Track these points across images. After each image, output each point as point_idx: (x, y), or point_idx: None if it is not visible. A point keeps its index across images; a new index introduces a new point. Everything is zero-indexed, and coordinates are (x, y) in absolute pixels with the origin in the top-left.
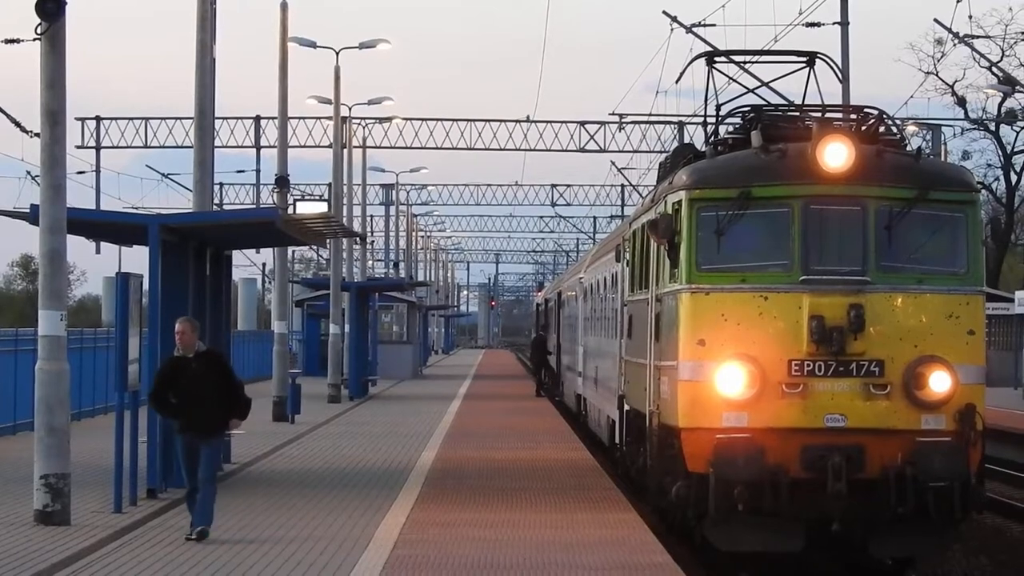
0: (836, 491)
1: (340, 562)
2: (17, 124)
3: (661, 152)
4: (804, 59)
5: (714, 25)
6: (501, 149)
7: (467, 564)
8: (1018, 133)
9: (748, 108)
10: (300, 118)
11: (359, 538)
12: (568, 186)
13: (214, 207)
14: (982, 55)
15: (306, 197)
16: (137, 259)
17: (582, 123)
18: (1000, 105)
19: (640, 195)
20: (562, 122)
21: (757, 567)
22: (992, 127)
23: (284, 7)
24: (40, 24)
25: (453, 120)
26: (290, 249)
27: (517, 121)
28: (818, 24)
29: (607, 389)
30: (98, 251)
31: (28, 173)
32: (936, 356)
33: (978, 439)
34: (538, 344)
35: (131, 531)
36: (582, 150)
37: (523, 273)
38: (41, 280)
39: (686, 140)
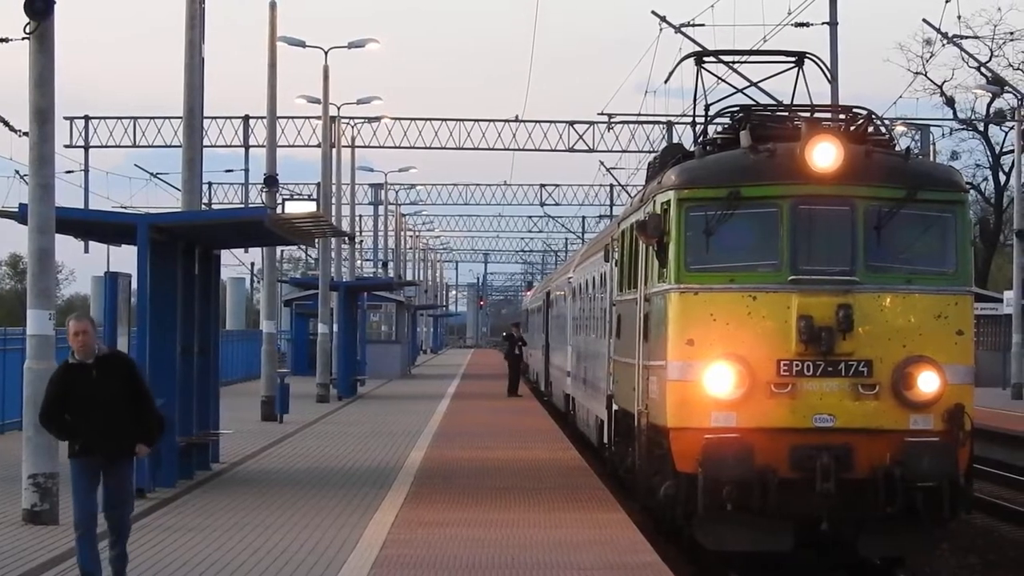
0: (825, 491)
1: (328, 561)
2: (6, 123)
3: (650, 152)
4: (793, 59)
5: (703, 25)
6: (490, 149)
7: (456, 564)
8: (1006, 133)
9: (737, 108)
10: (289, 118)
11: (347, 538)
12: (557, 186)
13: (203, 206)
14: (971, 55)
15: (295, 196)
16: (126, 258)
17: (571, 123)
18: (989, 105)
19: (629, 195)
20: (551, 122)
21: (746, 567)
22: (981, 127)
23: (273, 7)
24: (29, 23)
25: (442, 120)
26: (279, 249)
27: (506, 121)
28: (807, 24)
29: (596, 389)
30: (87, 250)
31: (17, 172)
32: (925, 356)
33: (966, 439)
34: (511, 342)
35: None
36: (571, 150)
37: (512, 273)
38: (29, 279)
39: (675, 140)
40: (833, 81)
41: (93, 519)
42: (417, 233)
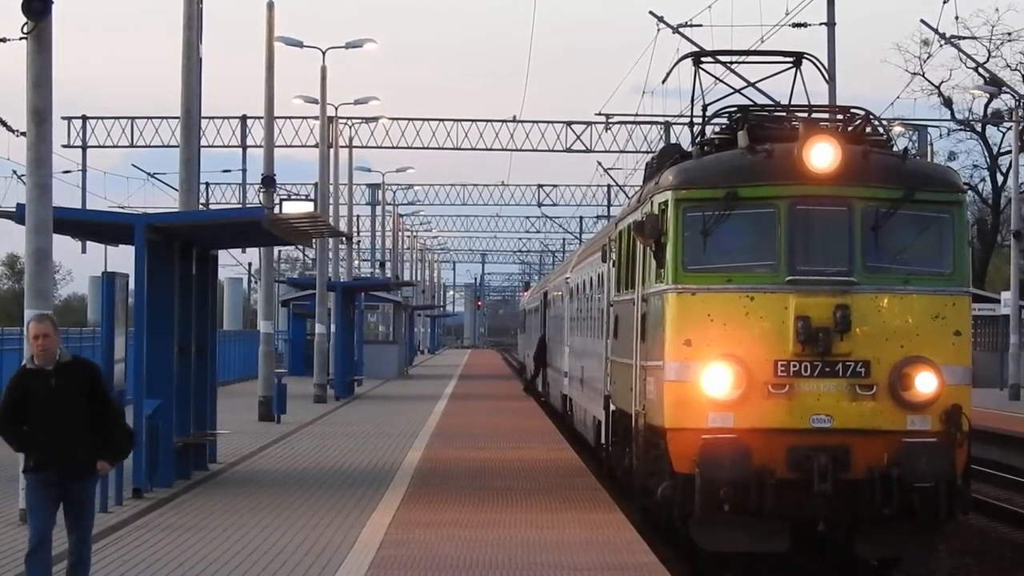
0: (822, 491)
1: (326, 562)
2: (3, 123)
3: (647, 152)
4: (790, 59)
5: (700, 25)
6: (487, 149)
7: (453, 564)
8: (1004, 134)
9: (735, 108)
10: (286, 118)
11: (345, 538)
12: (554, 186)
13: (200, 206)
14: (968, 56)
15: (292, 197)
16: (123, 259)
17: (568, 123)
18: (986, 106)
19: (626, 195)
20: (548, 122)
21: (743, 568)
22: (978, 128)
23: (271, 7)
24: (26, 23)
25: (439, 120)
26: (276, 249)
27: (503, 121)
28: (805, 25)
29: (593, 389)
30: (84, 250)
31: (14, 172)
32: (922, 357)
33: (964, 440)
34: (541, 345)
35: (117, 530)
36: (568, 150)
37: (509, 273)
38: (27, 279)
39: (672, 140)
40: (831, 81)
41: (48, 542)
42: (414, 233)
